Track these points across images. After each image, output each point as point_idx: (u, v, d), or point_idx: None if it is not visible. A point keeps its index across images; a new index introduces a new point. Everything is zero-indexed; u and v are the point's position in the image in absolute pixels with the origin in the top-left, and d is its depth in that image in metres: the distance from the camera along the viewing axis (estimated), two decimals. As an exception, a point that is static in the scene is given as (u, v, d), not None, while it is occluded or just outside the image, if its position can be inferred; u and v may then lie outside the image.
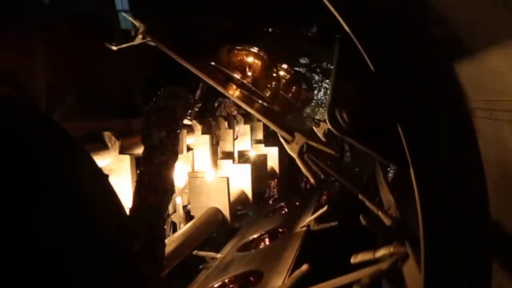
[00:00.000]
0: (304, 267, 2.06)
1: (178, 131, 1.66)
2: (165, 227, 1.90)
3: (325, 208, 3.29)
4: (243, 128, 4.19)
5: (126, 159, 2.12)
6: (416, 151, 1.25)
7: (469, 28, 1.13)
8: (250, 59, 2.88)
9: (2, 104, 1.39)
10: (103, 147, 2.12)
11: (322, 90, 5.48)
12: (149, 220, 1.39)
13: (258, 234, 3.54)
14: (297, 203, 4.43)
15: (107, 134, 2.13)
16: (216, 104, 4.90)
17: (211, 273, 2.86)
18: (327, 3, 1.25)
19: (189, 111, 1.88)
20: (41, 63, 2.30)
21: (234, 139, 3.78)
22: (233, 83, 2.84)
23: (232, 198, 2.86)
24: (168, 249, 2.05)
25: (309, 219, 3.33)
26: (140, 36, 2.32)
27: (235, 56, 2.89)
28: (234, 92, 2.83)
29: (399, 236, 1.54)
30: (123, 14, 2.86)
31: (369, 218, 1.65)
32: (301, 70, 5.42)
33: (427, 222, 1.24)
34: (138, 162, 1.98)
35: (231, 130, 3.69)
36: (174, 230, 2.77)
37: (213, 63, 2.87)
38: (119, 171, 2.13)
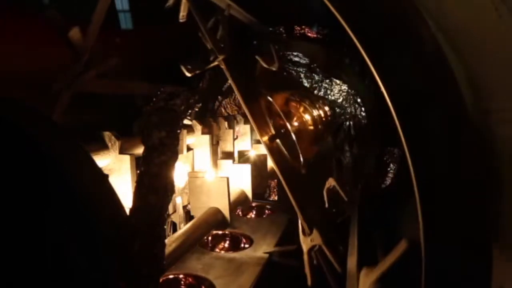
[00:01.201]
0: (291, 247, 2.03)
1: (178, 131, 1.66)
2: (165, 227, 1.90)
3: (294, 246, 3.17)
4: (243, 128, 4.19)
5: (126, 159, 2.12)
6: (414, 151, 1.25)
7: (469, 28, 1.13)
8: (301, 110, 2.87)
9: (2, 104, 1.39)
10: (103, 147, 2.11)
11: (322, 90, 5.48)
12: (149, 220, 1.39)
13: (222, 233, 3.58)
14: (268, 210, 4.41)
15: (107, 134, 2.13)
16: (216, 105, 4.90)
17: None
18: (327, 3, 1.25)
19: (189, 111, 1.88)
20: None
21: (234, 139, 3.78)
22: (270, 129, 2.80)
23: (232, 198, 2.86)
24: (168, 249, 2.04)
25: (274, 249, 3.25)
26: (216, 63, 2.38)
27: (290, 104, 2.88)
28: (266, 137, 2.80)
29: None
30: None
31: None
32: (301, 70, 5.41)
33: (426, 222, 1.24)
34: (138, 162, 1.98)
35: (231, 130, 3.69)
36: (174, 230, 2.77)
37: (270, 99, 2.86)
38: (119, 171, 2.13)
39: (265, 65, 2.87)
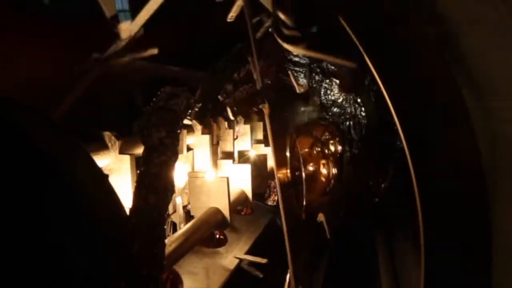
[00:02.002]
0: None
1: (178, 131, 1.66)
2: (165, 227, 1.90)
3: (265, 260, 3.12)
4: (243, 128, 4.19)
5: (126, 159, 2.12)
6: (415, 152, 1.25)
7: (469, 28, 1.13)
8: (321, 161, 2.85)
9: (2, 104, 1.39)
10: (103, 147, 2.11)
11: (322, 90, 5.48)
12: (149, 220, 1.39)
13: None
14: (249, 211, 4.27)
15: (107, 134, 2.13)
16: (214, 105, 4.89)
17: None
18: (327, 3, 1.25)
19: (189, 111, 1.88)
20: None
21: (234, 139, 3.78)
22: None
23: (232, 198, 2.86)
24: (168, 249, 2.04)
25: (244, 256, 3.14)
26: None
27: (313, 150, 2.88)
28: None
29: None
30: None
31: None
32: (301, 70, 5.42)
33: (426, 222, 1.24)
34: (138, 162, 1.98)
35: (231, 130, 3.69)
36: (174, 230, 2.77)
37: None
38: (119, 171, 2.13)
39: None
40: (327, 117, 4.07)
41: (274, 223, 3.71)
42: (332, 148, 4.02)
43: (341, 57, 1.39)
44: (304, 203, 3.12)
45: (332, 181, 3.91)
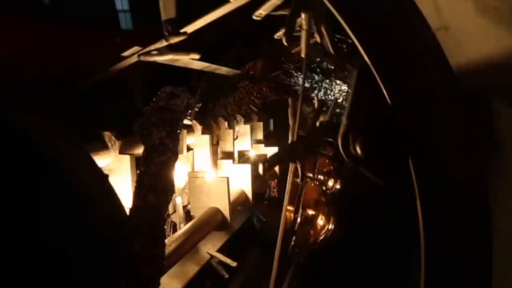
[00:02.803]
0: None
1: (178, 131, 1.66)
2: (165, 227, 1.90)
3: (234, 264, 3.04)
4: (243, 128, 4.19)
5: (126, 159, 2.12)
6: (417, 156, 1.25)
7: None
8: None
9: (2, 104, 1.39)
10: (103, 147, 2.12)
11: (322, 90, 5.48)
12: (149, 220, 1.38)
13: None
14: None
15: (107, 134, 2.13)
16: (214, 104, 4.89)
17: None
18: (327, 3, 1.25)
19: (189, 111, 1.88)
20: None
21: (234, 139, 3.78)
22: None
23: (232, 198, 2.86)
24: (168, 249, 2.04)
25: (215, 253, 2.90)
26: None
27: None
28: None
29: None
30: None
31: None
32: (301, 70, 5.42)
33: (426, 221, 1.24)
34: (138, 162, 1.98)
35: (231, 130, 3.69)
36: (174, 230, 2.77)
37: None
38: (119, 171, 2.13)
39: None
40: (331, 140, 4.03)
41: (251, 222, 3.65)
42: (330, 183, 3.96)
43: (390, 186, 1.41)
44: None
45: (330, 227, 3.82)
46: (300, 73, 5.41)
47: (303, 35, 2.03)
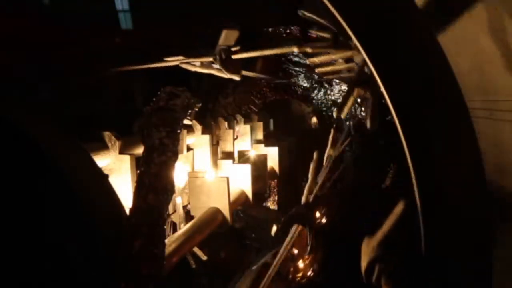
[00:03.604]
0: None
1: (178, 131, 1.66)
2: (165, 227, 1.90)
3: (205, 258, 3.04)
4: (243, 128, 4.19)
5: (126, 159, 2.12)
6: (416, 155, 1.25)
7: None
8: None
9: (2, 104, 1.39)
10: (103, 147, 2.11)
11: (322, 90, 5.47)
12: (149, 220, 1.38)
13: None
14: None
15: (107, 134, 2.13)
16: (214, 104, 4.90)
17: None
18: (327, 2, 1.25)
19: (189, 111, 1.88)
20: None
21: (234, 139, 3.78)
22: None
23: (232, 198, 2.85)
24: (168, 249, 2.04)
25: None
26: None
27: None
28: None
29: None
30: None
31: None
32: (301, 70, 5.41)
33: (426, 220, 1.24)
34: (138, 162, 1.98)
35: (231, 130, 3.69)
36: (174, 230, 2.77)
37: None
38: (119, 171, 2.13)
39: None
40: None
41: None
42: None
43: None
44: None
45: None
46: (300, 73, 5.41)
47: (350, 101, 2.07)
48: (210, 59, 2.61)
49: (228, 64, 2.57)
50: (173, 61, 2.67)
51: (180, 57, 2.68)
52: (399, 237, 1.37)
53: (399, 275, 1.33)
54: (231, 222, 2.83)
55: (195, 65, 2.73)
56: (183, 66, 2.73)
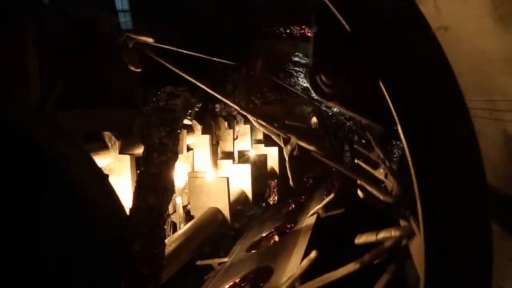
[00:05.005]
0: (313, 254, 2.04)
1: (178, 131, 1.66)
2: (165, 227, 1.90)
3: (331, 195, 3.31)
4: (243, 128, 4.19)
5: (126, 159, 2.12)
6: (416, 154, 1.25)
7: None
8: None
9: (2, 104, 1.39)
10: (103, 147, 2.12)
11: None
12: (149, 220, 1.38)
13: (267, 233, 3.54)
14: (302, 199, 4.43)
15: (107, 134, 2.13)
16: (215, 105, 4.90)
17: (220, 276, 2.85)
18: (327, 3, 1.25)
19: (189, 111, 1.89)
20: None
21: (234, 139, 3.78)
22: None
23: (232, 198, 2.86)
24: (168, 249, 2.04)
25: (317, 207, 3.35)
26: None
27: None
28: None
29: (401, 213, 1.51)
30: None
31: (367, 192, 1.62)
32: (301, 70, 5.42)
33: (426, 219, 1.24)
34: (138, 162, 1.98)
35: (231, 130, 3.69)
36: (174, 230, 2.77)
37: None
38: (119, 171, 2.13)
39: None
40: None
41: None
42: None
43: (371, 117, 1.39)
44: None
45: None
46: (299, 73, 5.41)
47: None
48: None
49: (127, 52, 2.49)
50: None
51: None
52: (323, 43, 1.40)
53: (335, 72, 1.35)
54: (231, 222, 2.83)
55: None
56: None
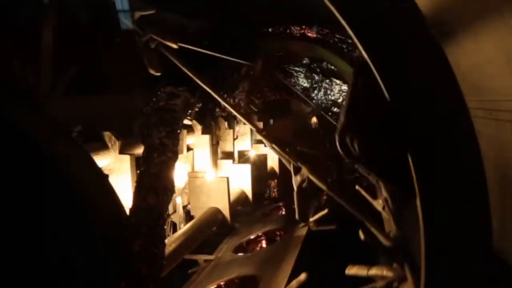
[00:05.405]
0: (302, 276, 2.03)
1: (178, 131, 1.66)
2: (165, 227, 1.90)
3: (325, 211, 3.24)
4: (243, 128, 4.19)
5: (126, 159, 2.12)
6: (417, 154, 1.25)
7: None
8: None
9: (3, 104, 1.39)
10: (103, 147, 2.11)
11: (322, 90, 5.48)
12: (149, 220, 1.38)
13: (255, 236, 3.49)
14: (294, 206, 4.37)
15: (107, 134, 2.13)
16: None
17: (205, 275, 2.84)
18: (328, 3, 1.25)
19: (189, 111, 1.89)
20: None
21: (234, 139, 3.78)
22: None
23: (232, 198, 2.86)
24: (168, 249, 2.04)
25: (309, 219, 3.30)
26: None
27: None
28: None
29: (398, 258, 1.51)
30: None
31: (368, 233, 1.61)
32: (301, 70, 5.42)
33: (426, 218, 1.24)
34: (138, 162, 1.98)
35: (231, 130, 3.69)
36: (174, 230, 2.77)
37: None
38: (119, 171, 2.13)
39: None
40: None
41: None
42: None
43: (396, 183, 1.40)
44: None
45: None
46: (300, 73, 5.41)
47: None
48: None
49: (148, 53, 2.39)
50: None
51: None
52: (358, 102, 1.38)
53: (370, 137, 1.34)
54: (231, 222, 2.83)
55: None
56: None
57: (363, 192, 1.54)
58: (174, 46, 2.27)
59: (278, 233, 3.53)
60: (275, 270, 2.58)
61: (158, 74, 2.29)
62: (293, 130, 5.37)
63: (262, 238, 3.49)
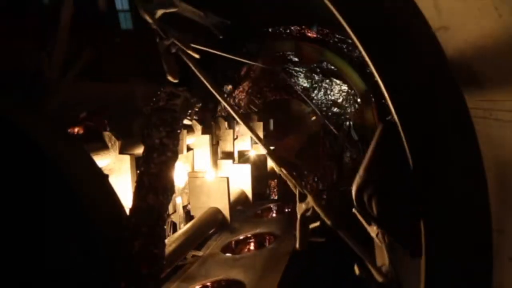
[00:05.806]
0: (316, 224, 1.99)
1: (178, 131, 1.66)
2: (165, 227, 1.90)
3: (317, 223, 3.17)
4: (243, 128, 4.19)
5: (126, 159, 2.12)
6: (417, 154, 1.25)
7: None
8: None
9: (3, 104, 1.39)
10: (103, 147, 2.12)
11: (322, 90, 5.48)
12: (149, 220, 1.38)
13: (244, 236, 3.45)
14: (288, 209, 4.28)
15: (107, 134, 2.13)
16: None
17: (192, 271, 2.77)
18: (328, 3, 1.25)
19: (189, 111, 1.88)
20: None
21: (234, 139, 3.78)
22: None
23: (232, 198, 2.86)
24: (168, 249, 2.04)
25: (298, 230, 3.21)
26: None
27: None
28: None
29: None
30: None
31: (363, 268, 1.59)
32: (301, 70, 5.42)
33: (427, 221, 1.24)
34: (138, 162, 1.98)
35: (231, 130, 3.69)
36: (174, 230, 2.77)
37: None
38: (119, 171, 2.13)
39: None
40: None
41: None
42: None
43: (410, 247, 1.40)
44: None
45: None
46: (300, 73, 5.41)
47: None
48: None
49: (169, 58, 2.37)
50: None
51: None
52: (381, 160, 1.36)
53: (386, 196, 1.33)
54: (231, 222, 2.83)
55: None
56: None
57: (359, 217, 1.52)
58: (196, 56, 2.27)
59: (267, 237, 3.47)
60: (261, 279, 2.56)
61: (176, 81, 2.28)
62: (297, 141, 5.34)
63: (251, 240, 3.44)
